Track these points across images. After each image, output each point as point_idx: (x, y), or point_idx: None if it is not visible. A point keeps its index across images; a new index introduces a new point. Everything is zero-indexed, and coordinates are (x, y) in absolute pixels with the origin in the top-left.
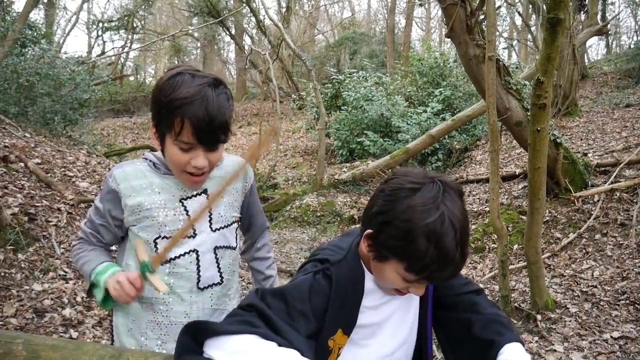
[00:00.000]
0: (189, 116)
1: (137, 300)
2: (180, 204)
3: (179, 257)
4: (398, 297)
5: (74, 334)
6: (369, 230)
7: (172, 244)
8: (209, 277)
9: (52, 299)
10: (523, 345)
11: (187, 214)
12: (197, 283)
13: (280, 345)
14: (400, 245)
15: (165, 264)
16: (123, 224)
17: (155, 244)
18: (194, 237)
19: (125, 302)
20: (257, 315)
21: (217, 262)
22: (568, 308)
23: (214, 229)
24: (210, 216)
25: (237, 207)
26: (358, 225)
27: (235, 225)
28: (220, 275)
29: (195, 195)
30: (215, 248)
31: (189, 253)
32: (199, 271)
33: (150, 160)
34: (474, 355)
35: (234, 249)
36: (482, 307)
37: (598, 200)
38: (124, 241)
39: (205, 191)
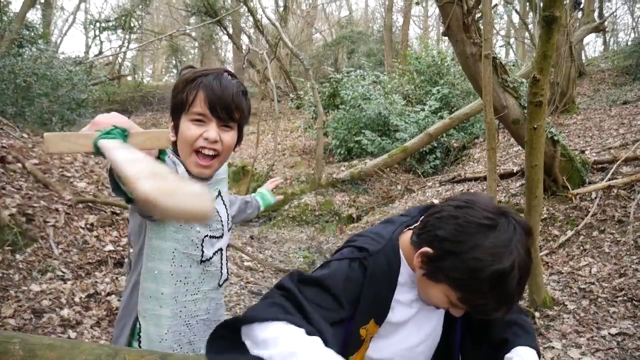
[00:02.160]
0: (203, 85)
1: (172, 305)
2: None
3: (212, 256)
4: None
5: (72, 334)
6: (429, 250)
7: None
8: (224, 274)
9: (50, 299)
10: (539, 354)
11: (218, 213)
12: (219, 280)
13: (308, 333)
14: (462, 279)
15: (203, 262)
16: None
17: (203, 242)
18: (221, 238)
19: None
20: (289, 299)
21: (226, 260)
22: (566, 305)
23: (227, 229)
24: (227, 215)
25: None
26: (398, 212)
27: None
28: (227, 273)
29: (215, 197)
30: (227, 246)
31: (217, 252)
32: (221, 269)
33: (175, 163)
34: (488, 356)
35: None
36: None
37: (595, 198)
38: (137, 241)
39: (219, 193)
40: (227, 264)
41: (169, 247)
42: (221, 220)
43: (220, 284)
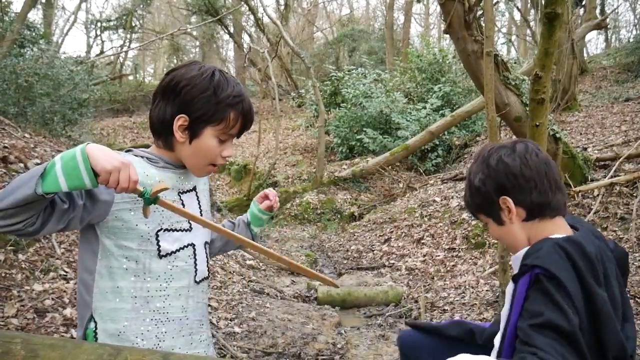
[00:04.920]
0: (243, 111)
1: (131, 299)
2: (179, 197)
3: (178, 250)
4: None
5: (75, 334)
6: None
7: (175, 209)
8: (202, 271)
9: (52, 299)
10: None
11: (183, 206)
12: (195, 277)
13: None
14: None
15: (165, 257)
16: (95, 209)
17: (157, 236)
18: (189, 231)
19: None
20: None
21: (206, 256)
22: None
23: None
24: (200, 212)
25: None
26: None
27: None
28: (208, 269)
29: (189, 191)
30: (205, 243)
31: (187, 247)
32: (195, 265)
33: (142, 156)
34: None
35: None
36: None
37: (598, 195)
38: (89, 240)
39: (194, 188)
40: (206, 260)
41: (119, 244)
42: None
43: (197, 281)
